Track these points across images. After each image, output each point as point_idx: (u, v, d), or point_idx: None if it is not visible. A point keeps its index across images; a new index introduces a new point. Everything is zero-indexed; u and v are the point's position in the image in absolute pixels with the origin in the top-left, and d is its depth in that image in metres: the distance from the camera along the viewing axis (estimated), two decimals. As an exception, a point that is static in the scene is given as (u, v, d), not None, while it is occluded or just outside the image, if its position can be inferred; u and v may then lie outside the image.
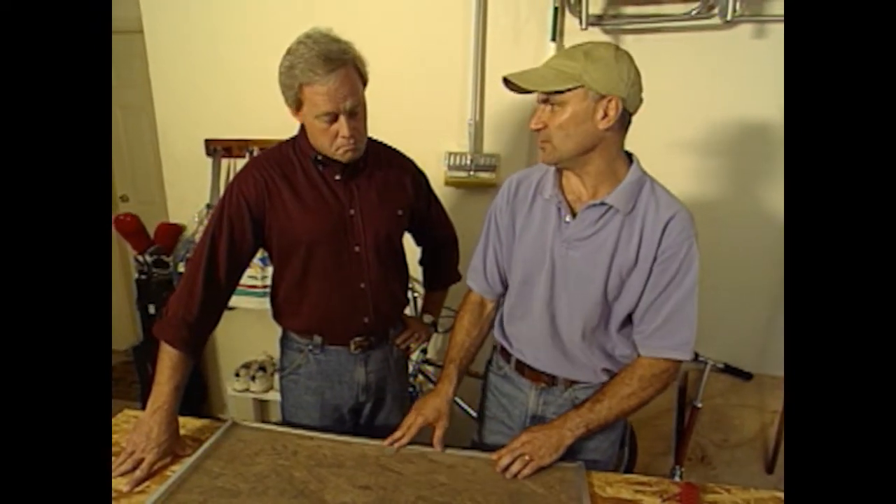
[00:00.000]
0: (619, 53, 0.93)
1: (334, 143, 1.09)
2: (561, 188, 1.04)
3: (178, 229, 2.17)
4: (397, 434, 1.11)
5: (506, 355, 1.19)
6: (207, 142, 2.06)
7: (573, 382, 1.11)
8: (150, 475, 1.00)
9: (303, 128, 1.17)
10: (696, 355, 1.93)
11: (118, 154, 2.91)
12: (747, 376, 1.95)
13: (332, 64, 1.02)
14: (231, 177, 2.11)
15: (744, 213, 1.81)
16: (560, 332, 1.08)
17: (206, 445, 1.07)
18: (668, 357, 1.02)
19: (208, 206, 2.06)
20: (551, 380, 1.12)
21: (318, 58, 1.02)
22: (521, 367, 1.15)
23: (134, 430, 1.04)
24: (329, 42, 1.04)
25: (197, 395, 2.33)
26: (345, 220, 1.18)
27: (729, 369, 1.94)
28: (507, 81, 0.97)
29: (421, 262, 1.53)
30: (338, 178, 1.17)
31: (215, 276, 1.13)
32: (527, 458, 1.02)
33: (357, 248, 1.19)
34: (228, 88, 2.00)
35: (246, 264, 1.19)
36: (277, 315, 1.29)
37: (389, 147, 1.30)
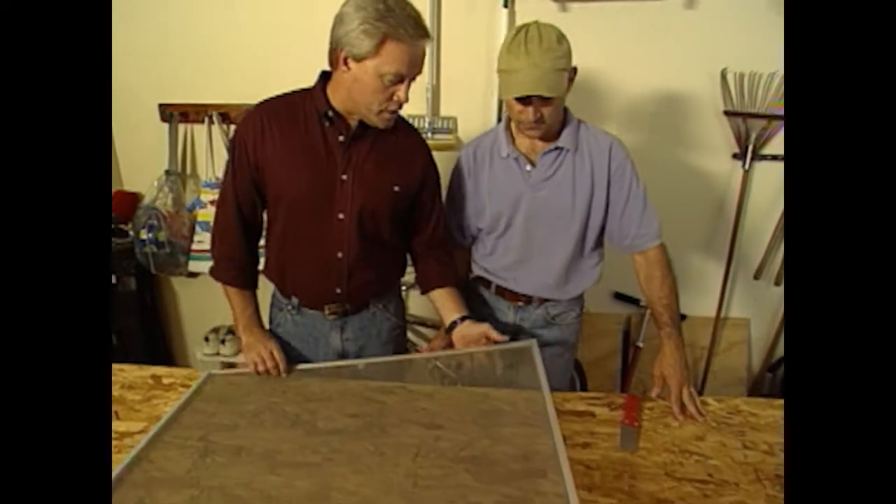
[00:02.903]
0: (560, 31, 1.11)
1: (385, 104, 1.07)
2: (515, 145, 1.24)
3: (134, 197, 2.13)
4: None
5: (485, 283, 1.41)
6: (162, 106, 2.03)
7: (545, 300, 1.34)
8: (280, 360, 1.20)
9: (325, 81, 1.14)
10: (638, 301, 2.15)
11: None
12: (681, 318, 2.18)
13: (423, 30, 1.04)
14: (189, 142, 2.11)
15: (676, 170, 1.98)
16: (537, 263, 1.30)
17: (188, 393, 1.15)
18: (656, 244, 1.26)
19: (167, 172, 2.04)
20: (527, 299, 1.34)
21: (412, 18, 1.02)
22: (502, 291, 1.38)
23: (247, 349, 1.22)
24: (414, 7, 1.04)
25: (161, 362, 2.34)
26: (334, 184, 1.14)
27: (665, 312, 2.16)
28: (524, 97, 1.10)
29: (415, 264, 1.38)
30: (341, 139, 1.13)
31: (236, 218, 1.21)
32: (686, 392, 1.14)
33: (341, 216, 1.16)
34: (184, 50, 1.96)
35: (262, 202, 1.22)
36: (266, 269, 1.31)
37: (407, 122, 1.24)
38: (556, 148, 1.21)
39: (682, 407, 1.13)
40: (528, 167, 1.24)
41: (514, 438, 1.01)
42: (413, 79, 1.08)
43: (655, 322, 1.27)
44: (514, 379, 1.21)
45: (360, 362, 1.24)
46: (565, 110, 1.23)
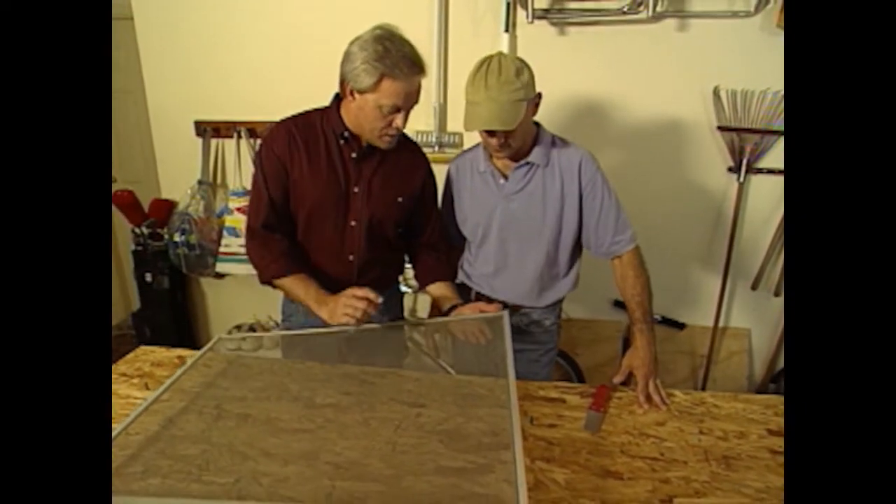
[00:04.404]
0: (521, 61, 1.21)
1: (384, 130, 1.21)
2: (491, 161, 1.35)
3: (170, 204, 2.36)
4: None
5: (467, 290, 1.49)
6: (197, 123, 2.25)
7: (519, 307, 1.43)
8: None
9: (337, 105, 1.27)
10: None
11: (106, 137, 3.05)
12: (680, 326, 2.25)
13: (416, 68, 1.16)
14: (220, 155, 2.32)
15: (673, 184, 2.08)
16: (512, 272, 1.39)
17: (200, 352, 1.34)
18: (631, 248, 1.34)
19: (200, 182, 2.26)
20: (503, 306, 1.39)
21: (407, 58, 1.14)
22: (480, 298, 1.46)
23: (332, 316, 1.22)
24: (411, 46, 1.17)
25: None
26: (347, 196, 1.30)
27: (665, 321, 2.23)
28: (490, 131, 1.22)
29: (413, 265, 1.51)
30: (354, 156, 1.28)
31: (271, 222, 1.31)
32: (651, 384, 1.23)
33: (353, 223, 1.31)
34: (217, 72, 2.19)
35: (290, 204, 1.32)
36: None
37: (411, 140, 1.39)
38: (527, 163, 1.31)
39: (649, 398, 1.22)
40: (502, 180, 1.34)
41: (487, 417, 1.13)
42: (410, 108, 1.21)
43: (630, 319, 1.36)
44: (497, 370, 1.31)
45: (351, 328, 1.34)
46: (539, 127, 1.34)
